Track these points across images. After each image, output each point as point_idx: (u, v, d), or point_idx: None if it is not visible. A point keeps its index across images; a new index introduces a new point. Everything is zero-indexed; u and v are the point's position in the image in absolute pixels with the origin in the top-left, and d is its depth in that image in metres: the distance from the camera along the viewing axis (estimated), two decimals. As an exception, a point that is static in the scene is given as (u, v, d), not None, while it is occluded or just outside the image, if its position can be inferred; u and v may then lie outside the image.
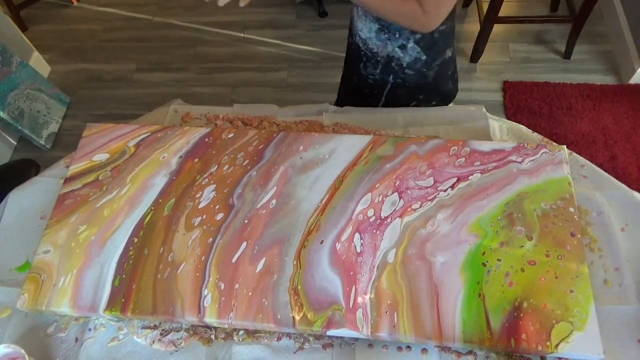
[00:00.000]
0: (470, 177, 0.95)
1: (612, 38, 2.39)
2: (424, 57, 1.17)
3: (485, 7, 2.23)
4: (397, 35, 1.13)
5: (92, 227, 0.93)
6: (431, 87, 1.27)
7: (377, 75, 1.24)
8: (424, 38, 1.13)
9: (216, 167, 1.00)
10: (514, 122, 1.14)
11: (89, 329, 0.89)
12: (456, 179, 0.95)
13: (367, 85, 1.28)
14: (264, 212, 0.94)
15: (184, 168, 1.00)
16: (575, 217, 0.90)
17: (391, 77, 1.23)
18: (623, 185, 1.01)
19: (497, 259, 0.86)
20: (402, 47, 1.16)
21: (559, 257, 0.86)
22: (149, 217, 0.94)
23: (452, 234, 0.89)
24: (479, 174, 0.96)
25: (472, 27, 2.53)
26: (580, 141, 2.06)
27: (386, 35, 1.14)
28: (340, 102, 1.43)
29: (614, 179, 1.02)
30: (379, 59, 1.20)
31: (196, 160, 1.01)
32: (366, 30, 1.17)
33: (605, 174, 1.03)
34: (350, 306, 0.82)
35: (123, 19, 2.68)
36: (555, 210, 0.91)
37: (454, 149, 1.00)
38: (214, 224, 0.92)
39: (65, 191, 0.98)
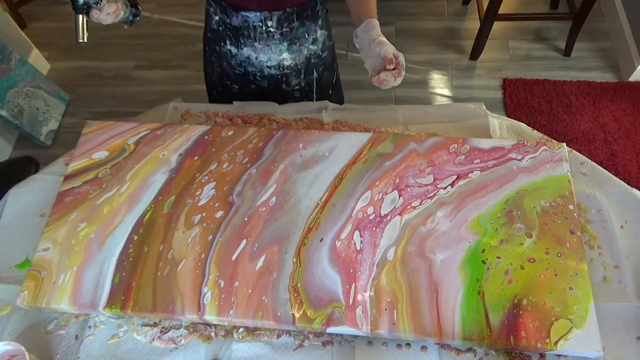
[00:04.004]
0: (470, 175, 0.95)
1: (612, 35, 2.38)
2: (327, 33, 1.23)
3: (485, 4, 2.23)
4: (307, 36, 1.17)
5: (92, 224, 0.93)
6: (333, 49, 1.33)
7: (302, 81, 1.27)
8: (323, 17, 1.18)
9: (216, 164, 1.00)
10: (513, 120, 1.14)
11: (89, 327, 0.89)
12: (456, 176, 0.95)
13: (294, 97, 1.30)
14: (263, 209, 0.94)
15: (184, 166, 1.00)
16: (575, 214, 0.90)
17: (314, 73, 1.26)
18: (623, 183, 1.01)
19: (497, 257, 0.86)
20: (315, 42, 1.20)
21: (559, 255, 0.86)
22: (148, 214, 0.94)
23: (451, 231, 0.89)
24: (479, 172, 0.96)
25: (472, 24, 2.53)
26: (580, 139, 2.06)
27: (298, 44, 1.17)
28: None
29: (614, 177, 1.02)
30: (299, 67, 1.23)
31: (196, 157, 1.01)
32: (275, 56, 1.18)
33: (605, 171, 1.03)
34: (350, 304, 0.82)
35: (122, 16, 2.67)
36: (555, 207, 0.91)
37: (453, 146, 1.00)
38: (214, 221, 0.92)
39: (64, 189, 0.98)
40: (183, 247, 0.90)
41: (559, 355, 0.82)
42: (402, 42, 2.47)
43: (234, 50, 1.19)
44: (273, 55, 1.18)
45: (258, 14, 1.09)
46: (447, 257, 0.86)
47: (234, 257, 0.88)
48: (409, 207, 0.92)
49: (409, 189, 0.94)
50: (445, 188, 0.94)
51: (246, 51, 1.18)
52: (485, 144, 1.00)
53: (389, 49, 0.92)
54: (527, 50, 2.40)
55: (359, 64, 2.36)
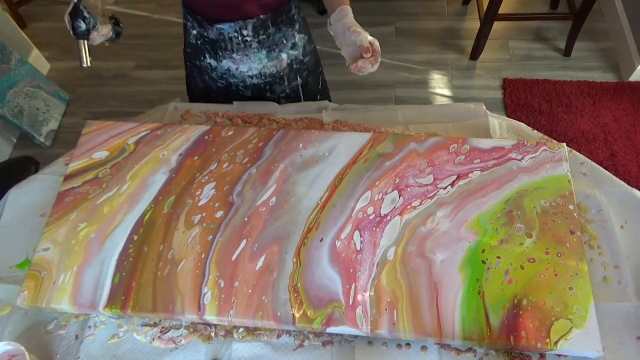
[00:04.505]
0: (470, 175, 0.95)
1: (612, 35, 2.38)
2: (306, 37, 1.22)
3: (485, 4, 2.23)
4: (285, 41, 1.17)
5: (92, 224, 0.93)
6: (316, 53, 1.32)
7: (287, 88, 1.27)
8: (300, 21, 1.17)
9: (216, 164, 1.00)
10: (513, 120, 1.14)
11: (89, 327, 0.89)
12: (456, 176, 0.95)
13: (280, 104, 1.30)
14: (263, 209, 0.94)
15: (184, 165, 1.00)
16: (575, 214, 0.90)
17: (298, 78, 1.26)
18: (623, 183, 1.01)
19: (497, 257, 0.86)
20: (294, 46, 1.19)
21: (559, 255, 0.86)
22: (148, 214, 0.94)
23: (451, 231, 0.89)
24: (479, 172, 0.96)
25: (472, 24, 2.53)
26: (580, 139, 2.06)
27: (277, 50, 1.17)
28: None
29: (614, 177, 1.02)
30: (281, 74, 1.23)
31: (196, 157, 1.01)
32: (255, 64, 1.18)
33: (605, 171, 1.03)
34: (350, 303, 0.82)
35: (122, 16, 2.64)
36: (555, 207, 0.91)
37: (453, 146, 1.00)
38: (214, 221, 0.92)
39: (64, 189, 0.98)
40: (183, 247, 0.90)
41: (559, 355, 0.82)
42: (402, 42, 2.47)
43: (213, 63, 1.19)
44: (253, 65, 1.18)
45: (232, 24, 1.09)
46: (447, 257, 0.86)
47: (234, 257, 0.88)
48: (409, 207, 0.92)
49: (409, 189, 0.94)
50: (445, 188, 0.94)
51: (226, 63, 1.18)
52: (485, 144, 1.00)
53: (364, 37, 0.92)
54: (527, 50, 2.40)
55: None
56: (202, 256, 0.89)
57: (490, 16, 2.15)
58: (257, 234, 0.91)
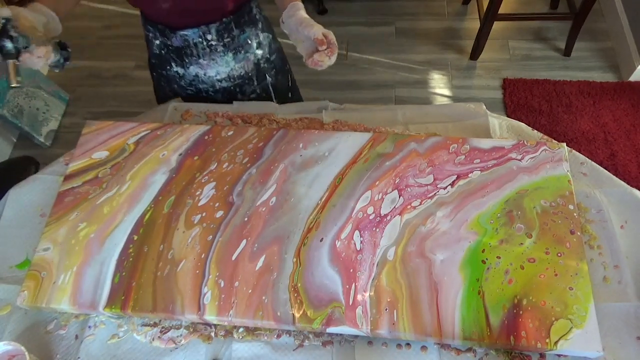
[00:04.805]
0: (470, 175, 0.95)
1: (612, 35, 2.38)
2: (270, 35, 1.22)
3: (485, 4, 2.23)
4: (250, 42, 1.17)
5: (92, 224, 0.93)
6: (282, 51, 1.32)
7: (257, 88, 1.27)
8: (262, 20, 1.18)
9: (216, 164, 1.00)
10: (513, 120, 1.14)
11: (89, 326, 0.89)
12: (456, 176, 0.95)
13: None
14: (263, 209, 0.94)
15: (184, 165, 1.00)
16: (575, 214, 0.90)
17: (267, 77, 1.26)
18: (623, 183, 1.01)
19: (497, 257, 0.86)
20: (260, 46, 1.20)
21: (559, 255, 0.86)
22: (148, 214, 0.94)
23: (451, 231, 0.89)
24: (479, 172, 0.96)
25: (472, 24, 2.53)
26: (580, 139, 2.06)
27: (242, 51, 1.17)
28: None
29: (614, 177, 1.02)
30: (249, 75, 1.23)
31: (196, 157, 1.01)
32: (223, 68, 1.18)
33: (605, 171, 1.03)
34: (350, 303, 0.82)
35: (122, 15, 2.67)
36: (555, 207, 0.91)
37: (453, 146, 1.00)
38: (214, 221, 0.92)
39: (64, 189, 0.98)
40: (183, 247, 0.90)
41: (559, 355, 0.82)
42: (402, 42, 2.47)
43: (181, 71, 1.19)
44: (221, 68, 1.18)
45: (196, 30, 1.09)
46: (447, 257, 0.86)
47: (234, 257, 0.88)
48: (409, 207, 0.92)
49: (409, 188, 0.94)
50: (445, 188, 0.94)
51: (193, 70, 1.18)
52: (485, 144, 1.00)
53: (317, 30, 0.90)
54: (527, 50, 2.40)
55: (359, 63, 2.36)
56: (202, 256, 0.88)
57: (490, 16, 2.15)
58: (257, 234, 0.91)
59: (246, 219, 0.93)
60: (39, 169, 1.33)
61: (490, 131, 1.10)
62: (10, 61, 0.88)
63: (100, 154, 1.03)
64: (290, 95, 1.38)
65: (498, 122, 1.13)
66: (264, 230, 0.91)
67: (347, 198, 0.94)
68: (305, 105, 1.20)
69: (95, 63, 2.48)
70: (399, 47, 2.45)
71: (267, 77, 1.26)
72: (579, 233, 0.88)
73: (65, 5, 1.00)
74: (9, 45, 0.85)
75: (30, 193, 1.05)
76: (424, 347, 0.85)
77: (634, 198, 0.98)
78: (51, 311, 0.90)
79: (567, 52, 2.34)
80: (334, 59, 0.91)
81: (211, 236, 0.91)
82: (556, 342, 0.78)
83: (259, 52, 1.21)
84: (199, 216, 0.93)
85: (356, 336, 0.86)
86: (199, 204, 0.95)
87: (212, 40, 1.11)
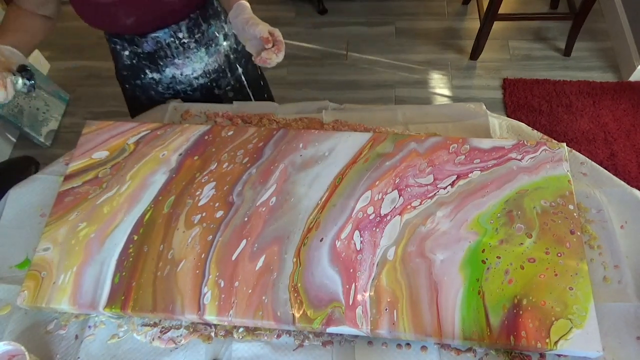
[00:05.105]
0: (470, 175, 0.95)
1: (612, 35, 2.38)
2: None
3: (485, 4, 2.23)
4: (217, 34, 1.17)
5: (92, 224, 0.93)
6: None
7: (231, 80, 1.27)
8: (223, 12, 1.18)
9: (216, 164, 1.00)
10: (513, 120, 1.14)
11: (89, 326, 0.89)
12: (456, 176, 0.95)
13: (228, 98, 1.30)
14: (263, 209, 0.94)
15: (184, 165, 1.00)
16: (575, 214, 0.90)
17: (239, 67, 1.27)
18: (623, 183, 1.01)
19: (497, 257, 0.86)
20: (226, 37, 1.20)
21: (559, 255, 0.86)
22: (148, 214, 0.94)
23: (451, 231, 0.89)
24: (479, 172, 0.96)
25: (472, 24, 2.53)
26: (580, 139, 2.06)
27: (213, 45, 1.18)
28: None
29: (614, 177, 1.02)
30: (223, 67, 1.23)
31: (196, 157, 1.01)
32: (198, 64, 1.19)
33: (605, 171, 1.03)
34: (350, 303, 0.82)
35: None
36: (555, 207, 0.91)
37: (453, 146, 1.00)
38: (214, 221, 0.92)
39: (64, 188, 0.98)
40: (183, 247, 0.90)
41: (559, 355, 0.82)
42: (402, 42, 2.47)
43: (157, 76, 1.19)
44: (196, 65, 1.18)
45: (167, 30, 1.09)
46: (447, 257, 0.86)
47: (234, 257, 0.88)
48: (409, 207, 0.92)
49: (409, 188, 0.94)
50: (445, 188, 0.94)
51: (169, 72, 1.18)
52: (485, 144, 1.00)
53: (263, 28, 0.92)
54: (527, 50, 2.40)
55: (359, 63, 2.36)
56: (202, 256, 0.89)
57: (490, 16, 2.15)
58: (257, 234, 0.91)
59: (246, 219, 0.93)
60: (39, 169, 1.33)
61: (490, 131, 1.10)
62: None
63: (100, 154, 1.03)
64: (261, 83, 1.39)
65: (498, 122, 1.13)
66: (264, 230, 0.91)
67: (347, 198, 0.94)
68: (305, 105, 1.20)
69: (95, 63, 2.48)
70: (399, 47, 2.45)
71: (239, 67, 1.27)
72: (579, 233, 0.88)
73: (29, 42, 1.01)
74: None
75: (30, 193, 1.05)
76: (424, 347, 0.85)
77: (634, 198, 0.98)
78: (51, 311, 0.90)
79: (567, 52, 2.34)
80: (281, 55, 0.92)
81: (211, 236, 0.91)
82: (556, 342, 0.78)
83: (226, 43, 1.21)
84: (199, 216, 0.93)
85: (356, 336, 0.86)
86: (199, 204, 0.95)
87: (184, 38, 1.12)
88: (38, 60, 2.39)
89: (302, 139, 1.03)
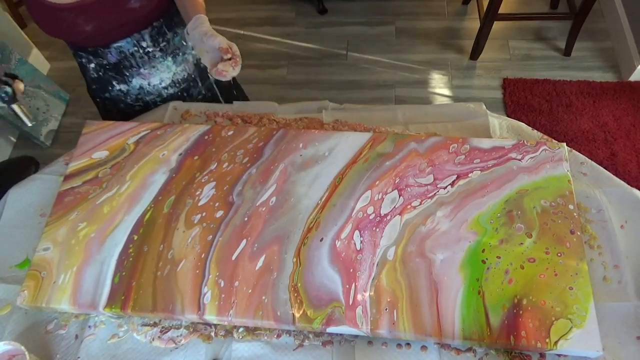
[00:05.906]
0: (470, 175, 0.95)
1: (612, 35, 2.38)
2: None
3: (485, 4, 2.23)
4: (185, 43, 1.16)
5: (92, 224, 0.93)
6: None
7: (202, 89, 1.26)
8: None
9: (216, 164, 1.00)
10: (513, 120, 1.14)
11: (89, 326, 0.89)
12: (456, 176, 0.95)
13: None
14: (263, 209, 0.94)
15: (184, 165, 1.00)
16: (575, 214, 0.90)
17: (209, 76, 1.26)
18: (623, 183, 1.01)
19: (497, 256, 0.86)
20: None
21: (559, 255, 0.86)
22: (148, 214, 0.94)
23: (451, 231, 0.89)
24: (479, 172, 0.96)
25: (472, 24, 2.52)
26: (580, 138, 2.06)
27: (180, 54, 1.17)
28: None
29: (614, 177, 1.02)
30: (193, 76, 1.22)
31: (196, 157, 1.01)
32: (166, 74, 1.18)
33: (605, 171, 1.03)
34: (350, 303, 0.82)
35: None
36: (555, 207, 0.91)
37: (453, 146, 1.00)
38: (214, 221, 0.92)
39: (64, 188, 0.98)
40: (183, 247, 0.90)
41: (559, 355, 0.82)
42: (402, 42, 2.47)
43: (124, 87, 1.18)
44: (164, 75, 1.18)
45: (129, 39, 1.08)
46: (447, 256, 0.86)
47: (234, 257, 0.88)
48: (409, 206, 0.92)
49: (409, 188, 0.94)
50: (445, 188, 0.94)
51: (136, 82, 1.17)
52: (485, 143, 1.00)
53: (222, 40, 0.93)
54: (527, 50, 2.40)
55: (359, 63, 2.36)
56: (202, 256, 0.89)
57: (490, 16, 2.15)
58: (257, 233, 0.91)
59: (246, 218, 0.93)
60: (39, 169, 1.33)
61: (490, 131, 1.10)
62: None
63: (100, 154, 1.03)
64: (234, 92, 1.38)
65: (498, 122, 1.13)
66: (264, 230, 0.91)
67: (347, 198, 0.94)
68: (305, 105, 1.20)
69: (95, 63, 2.48)
70: (399, 47, 2.45)
71: (209, 76, 1.26)
72: (579, 233, 0.88)
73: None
74: None
75: (30, 193, 1.05)
76: (424, 347, 0.85)
77: (634, 198, 0.98)
78: (51, 311, 0.90)
79: (567, 52, 2.34)
80: (237, 69, 0.94)
81: (211, 236, 0.91)
82: (556, 342, 0.78)
83: (195, 52, 1.21)
84: (199, 216, 0.93)
85: (356, 336, 0.86)
86: (199, 204, 0.95)
87: (147, 47, 1.11)
88: (38, 60, 2.39)
89: (302, 138, 1.03)
